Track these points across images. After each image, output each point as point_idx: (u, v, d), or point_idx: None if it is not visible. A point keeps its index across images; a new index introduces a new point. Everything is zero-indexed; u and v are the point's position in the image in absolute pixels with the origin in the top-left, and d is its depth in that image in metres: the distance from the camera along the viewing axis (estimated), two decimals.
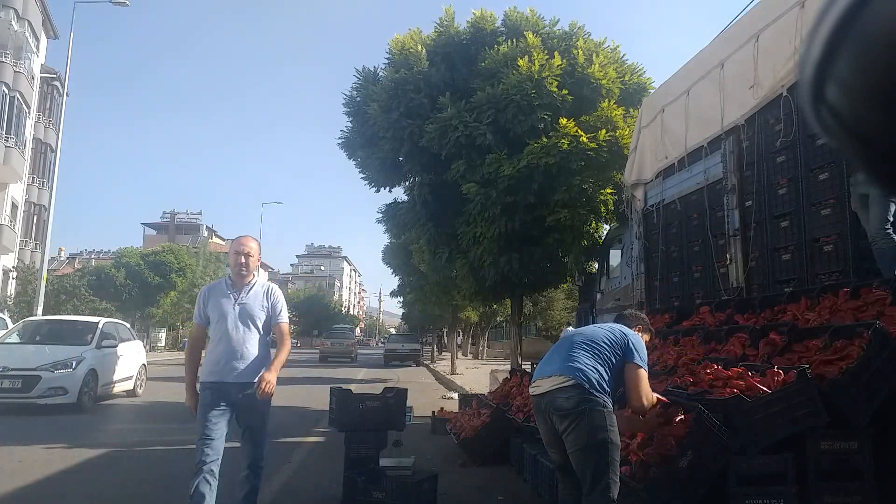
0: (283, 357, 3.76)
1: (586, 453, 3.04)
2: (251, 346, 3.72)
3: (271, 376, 3.67)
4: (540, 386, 3.27)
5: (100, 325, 11.23)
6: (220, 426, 3.62)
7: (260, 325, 3.78)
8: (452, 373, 19.61)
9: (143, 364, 12.87)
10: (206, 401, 3.65)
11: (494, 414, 6.63)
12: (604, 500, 2.98)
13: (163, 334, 44.02)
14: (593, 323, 8.71)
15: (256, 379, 3.67)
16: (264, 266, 69.59)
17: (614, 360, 3.22)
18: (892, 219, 4.28)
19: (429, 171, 11.40)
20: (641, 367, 3.24)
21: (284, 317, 3.91)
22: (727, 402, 3.45)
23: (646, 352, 3.36)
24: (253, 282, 3.86)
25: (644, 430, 3.65)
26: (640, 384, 3.20)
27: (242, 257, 3.82)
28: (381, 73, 11.95)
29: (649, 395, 3.27)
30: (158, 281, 35.96)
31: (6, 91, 23.77)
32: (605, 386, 3.14)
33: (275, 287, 3.99)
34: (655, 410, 3.50)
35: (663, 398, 3.56)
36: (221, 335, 3.71)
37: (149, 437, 7.75)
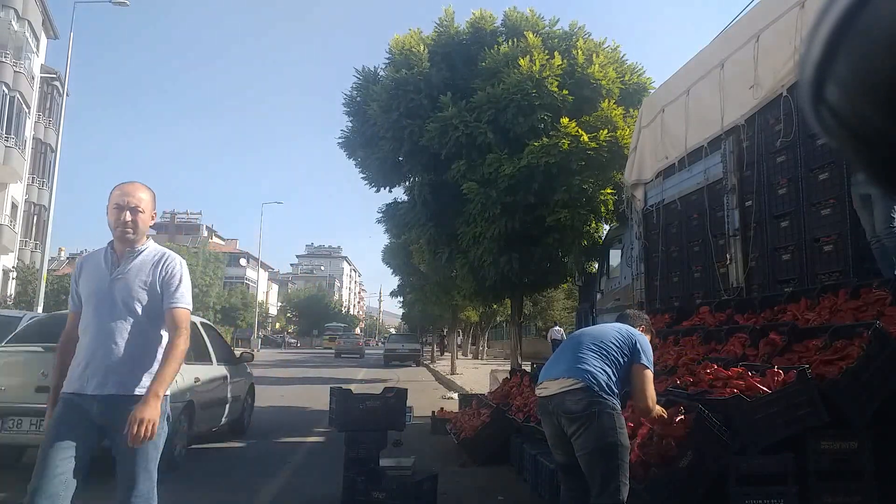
0: (173, 367, 2.51)
1: (596, 456, 3.02)
2: (125, 341, 2.52)
3: (148, 412, 2.38)
4: (547, 388, 3.24)
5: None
6: (68, 456, 2.38)
7: (140, 309, 2.56)
8: (452, 373, 19.61)
9: None
10: (54, 417, 2.49)
11: (494, 414, 6.63)
12: (613, 502, 2.97)
13: None
14: (593, 323, 8.71)
15: (131, 417, 2.38)
16: (264, 266, 68.21)
17: (622, 361, 3.19)
18: None
19: (429, 171, 11.40)
20: (648, 368, 3.22)
21: (183, 300, 2.62)
22: (727, 402, 3.45)
23: (652, 353, 3.35)
24: (141, 248, 2.64)
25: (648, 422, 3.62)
26: (646, 386, 3.19)
27: (127, 212, 2.56)
28: (381, 73, 11.95)
29: (654, 397, 3.27)
30: None
31: (6, 91, 23.78)
32: (613, 388, 3.12)
33: (172, 256, 2.70)
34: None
35: (664, 412, 3.53)
36: (87, 325, 2.56)
37: None
